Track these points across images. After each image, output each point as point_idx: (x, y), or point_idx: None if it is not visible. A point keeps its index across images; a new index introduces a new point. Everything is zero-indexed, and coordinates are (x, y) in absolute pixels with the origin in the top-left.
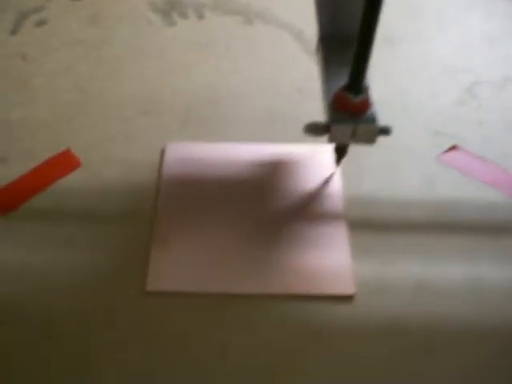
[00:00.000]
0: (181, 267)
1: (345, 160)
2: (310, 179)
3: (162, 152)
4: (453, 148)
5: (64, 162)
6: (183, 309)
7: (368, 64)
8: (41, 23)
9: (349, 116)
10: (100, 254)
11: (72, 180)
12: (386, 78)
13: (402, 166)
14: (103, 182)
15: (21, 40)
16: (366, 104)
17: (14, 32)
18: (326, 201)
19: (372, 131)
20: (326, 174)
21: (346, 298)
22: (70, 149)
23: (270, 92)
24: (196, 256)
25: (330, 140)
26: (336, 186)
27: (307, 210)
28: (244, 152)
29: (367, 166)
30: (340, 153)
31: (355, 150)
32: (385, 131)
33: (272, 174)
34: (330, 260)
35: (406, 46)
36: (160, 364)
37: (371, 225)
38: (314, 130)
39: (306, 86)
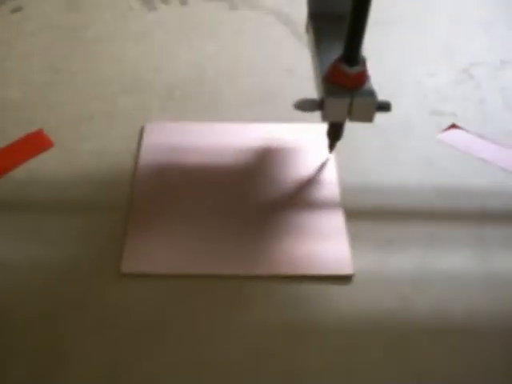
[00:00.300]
0: (158, 249)
1: (338, 142)
2: (301, 162)
3: (142, 131)
4: (452, 126)
5: (35, 142)
6: (161, 292)
7: (365, 31)
8: (16, 10)
9: (345, 90)
10: (72, 238)
11: (43, 160)
12: (379, 58)
13: (399, 146)
14: (77, 163)
15: None
16: (363, 76)
17: None
18: (321, 188)
19: (370, 106)
20: (319, 155)
21: (345, 279)
22: (42, 129)
23: (257, 72)
24: (176, 238)
25: (324, 117)
26: (331, 173)
27: (300, 196)
28: (230, 132)
29: (362, 147)
30: (334, 135)
31: (349, 130)
32: (384, 107)
33: (261, 156)
34: (327, 242)
35: (399, 28)
36: (135, 349)
37: (369, 211)
38: (306, 105)
39: (295, 67)
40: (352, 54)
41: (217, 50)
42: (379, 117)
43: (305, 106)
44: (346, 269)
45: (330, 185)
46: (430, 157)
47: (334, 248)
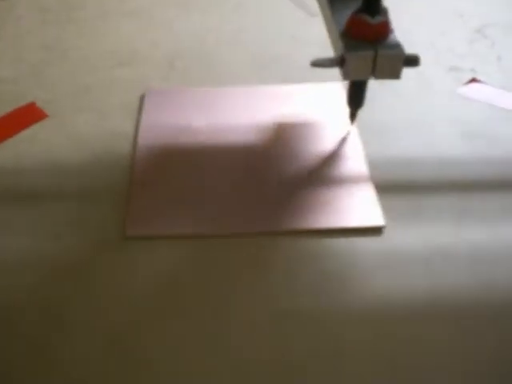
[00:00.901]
0: (163, 211)
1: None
2: (320, 132)
3: (142, 99)
4: (472, 80)
5: (28, 115)
6: (171, 255)
7: None
8: None
9: (367, 43)
10: (73, 207)
11: (37, 131)
12: None
13: (421, 103)
14: (73, 133)
15: None
16: (386, 27)
17: None
18: (347, 163)
19: (397, 60)
20: (338, 122)
21: (376, 231)
22: (35, 102)
23: (261, 40)
24: (182, 195)
25: (346, 75)
26: (355, 146)
27: (322, 172)
28: (238, 95)
29: (382, 108)
30: (355, 101)
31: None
32: (412, 61)
33: (275, 127)
34: (355, 194)
35: None
36: (146, 312)
37: (397, 174)
38: (326, 62)
39: (300, 35)
40: (373, 1)
41: (218, 21)
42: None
43: (324, 62)
44: (377, 220)
45: (355, 156)
46: (454, 111)
47: (362, 200)
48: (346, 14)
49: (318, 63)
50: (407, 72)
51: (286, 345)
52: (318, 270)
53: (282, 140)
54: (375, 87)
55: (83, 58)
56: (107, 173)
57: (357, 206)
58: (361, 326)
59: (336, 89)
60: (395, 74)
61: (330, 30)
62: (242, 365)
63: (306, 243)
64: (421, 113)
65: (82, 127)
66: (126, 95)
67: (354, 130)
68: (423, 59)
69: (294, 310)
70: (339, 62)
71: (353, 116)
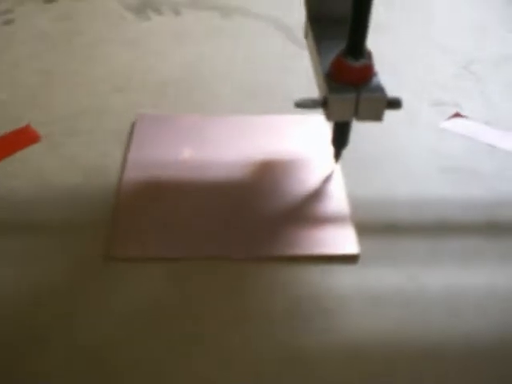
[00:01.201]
0: (147, 233)
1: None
2: (305, 167)
3: (133, 124)
4: (456, 115)
5: (22, 137)
6: (153, 276)
7: (370, 18)
8: (8, 22)
9: (350, 86)
10: (60, 227)
11: (30, 153)
12: (376, 57)
13: (404, 136)
14: (65, 155)
15: None
16: (369, 70)
17: None
18: (328, 199)
19: (379, 103)
20: (324, 158)
21: (350, 259)
22: (30, 124)
23: (252, 71)
24: (167, 219)
25: (328, 117)
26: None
27: (304, 206)
28: (227, 124)
29: (365, 138)
30: (339, 141)
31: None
32: (394, 104)
33: (261, 162)
34: (331, 224)
35: (395, 32)
36: (128, 333)
37: (374, 199)
38: (308, 103)
39: (290, 66)
40: (357, 44)
41: (211, 52)
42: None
43: (307, 103)
44: (351, 248)
45: (336, 192)
46: (437, 143)
47: (337, 229)
48: (332, 55)
49: (301, 104)
50: None
51: (258, 370)
52: (293, 295)
53: (266, 174)
54: None
55: (79, 82)
56: (95, 195)
57: (333, 235)
58: (333, 353)
59: (322, 121)
60: (377, 117)
61: (315, 71)
62: None
63: (282, 270)
64: (403, 146)
65: (74, 150)
66: (118, 120)
67: (337, 169)
68: (408, 92)
69: (268, 334)
70: (322, 103)
71: (337, 155)
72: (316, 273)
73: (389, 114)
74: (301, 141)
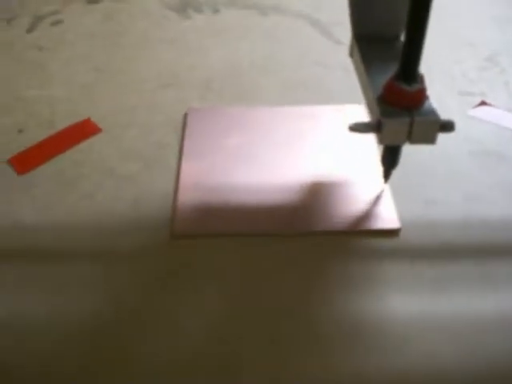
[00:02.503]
0: (209, 210)
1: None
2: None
3: (185, 116)
4: (482, 103)
5: (84, 129)
6: (217, 251)
7: (423, 44)
8: (56, 23)
9: (403, 110)
10: (122, 205)
11: (93, 143)
12: None
13: None
14: (124, 145)
15: (37, 36)
16: (422, 94)
17: (29, 30)
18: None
19: (433, 126)
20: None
21: (393, 233)
22: (90, 118)
23: (291, 66)
24: (226, 199)
25: (381, 140)
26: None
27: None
28: (270, 114)
29: None
30: (390, 162)
31: None
32: (447, 127)
33: (302, 140)
34: (374, 199)
35: None
36: (192, 306)
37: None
38: (361, 128)
39: (327, 61)
40: (410, 69)
41: (250, 48)
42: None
43: (360, 128)
44: (393, 223)
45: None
46: (465, 131)
47: (380, 206)
48: (382, 78)
49: (355, 128)
50: None
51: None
52: (343, 266)
53: (309, 157)
54: None
55: (128, 80)
56: (156, 180)
57: (376, 211)
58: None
59: (358, 109)
60: (430, 140)
61: (365, 93)
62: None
63: (332, 244)
64: None
65: (132, 141)
66: (169, 113)
67: (373, 148)
68: (438, 84)
69: (329, 301)
70: (375, 127)
71: (387, 175)
72: (363, 246)
73: None
74: (340, 127)
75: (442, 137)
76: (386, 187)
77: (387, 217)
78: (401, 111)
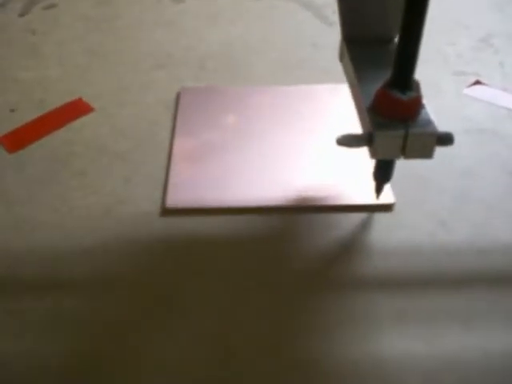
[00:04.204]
0: (203, 183)
1: None
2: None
3: (178, 95)
4: (476, 82)
5: (76, 108)
6: (208, 225)
7: (419, 47)
8: (50, 6)
9: (396, 121)
10: (113, 182)
11: (85, 122)
12: None
13: (428, 100)
14: (117, 124)
15: (30, 19)
16: (418, 103)
17: (22, 14)
18: None
19: (429, 139)
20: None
21: (386, 208)
22: (82, 97)
23: (284, 47)
24: (218, 175)
25: (374, 154)
26: None
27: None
28: (264, 93)
29: None
30: (383, 176)
31: None
32: (445, 140)
33: (296, 120)
34: (368, 175)
35: None
36: (187, 276)
37: None
38: (352, 141)
39: (321, 42)
40: (404, 76)
41: (244, 30)
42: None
43: (350, 141)
44: (387, 198)
45: None
46: (460, 110)
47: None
48: (374, 86)
49: (343, 142)
50: (418, 75)
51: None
52: (338, 239)
53: (304, 135)
54: None
55: (123, 60)
56: (148, 157)
57: (370, 186)
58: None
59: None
60: (427, 154)
61: (355, 101)
62: None
63: (325, 218)
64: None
65: (125, 120)
66: (163, 93)
67: None
68: (432, 64)
69: (320, 272)
70: (366, 140)
71: (379, 190)
72: (357, 220)
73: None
74: (335, 107)
75: (436, 115)
76: None
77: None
78: (394, 123)
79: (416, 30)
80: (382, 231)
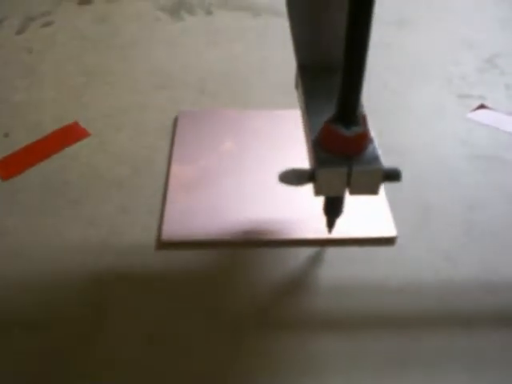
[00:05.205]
0: (197, 217)
1: (373, 117)
2: None
3: (176, 120)
4: (481, 106)
5: (72, 133)
6: (205, 259)
7: (363, 80)
8: (47, 24)
9: (341, 157)
10: (109, 210)
11: (80, 148)
12: (401, 51)
13: (432, 124)
14: (112, 150)
15: (26, 37)
16: (363, 139)
17: (19, 32)
18: None
19: (375, 176)
20: None
21: (389, 241)
22: (78, 121)
23: (283, 66)
24: (215, 205)
25: (317, 191)
26: None
27: None
28: (262, 117)
29: (396, 128)
30: (333, 211)
31: (382, 107)
32: (392, 176)
33: (293, 145)
34: (367, 205)
35: (418, 26)
36: (179, 313)
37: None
38: (293, 178)
39: None
40: (347, 110)
41: (244, 50)
42: (411, 99)
43: (291, 178)
44: (389, 231)
45: None
46: (463, 135)
47: (376, 213)
48: (323, 116)
49: (284, 179)
50: (422, 97)
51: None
52: (337, 273)
53: (300, 161)
54: (390, 108)
55: (120, 81)
56: (145, 184)
57: (372, 219)
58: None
59: None
60: (373, 191)
61: (304, 134)
62: None
63: (325, 251)
64: (432, 135)
65: (121, 145)
66: (161, 116)
67: None
68: (435, 85)
69: (314, 307)
70: (308, 177)
71: (330, 224)
72: (359, 253)
73: (418, 106)
74: None
75: (439, 140)
76: (382, 193)
77: (383, 224)
78: (338, 159)
79: (358, 62)
80: (383, 266)
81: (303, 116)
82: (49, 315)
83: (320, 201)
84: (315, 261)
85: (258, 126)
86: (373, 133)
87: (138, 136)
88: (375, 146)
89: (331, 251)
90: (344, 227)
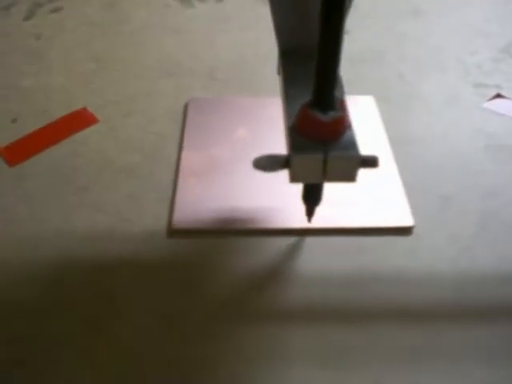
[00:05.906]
0: (208, 206)
1: (389, 107)
2: None
3: (186, 106)
4: (497, 96)
5: (80, 119)
6: (215, 247)
7: (339, 62)
8: (55, 10)
9: (317, 143)
10: (118, 197)
11: (89, 134)
12: (418, 41)
13: (447, 113)
14: (122, 136)
15: (34, 23)
16: (340, 124)
17: (27, 18)
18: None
19: (351, 163)
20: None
21: (406, 231)
22: (86, 107)
23: None
24: (227, 194)
25: (292, 178)
26: (379, 132)
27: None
28: (274, 105)
29: (412, 118)
30: (311, 199)
31: (397, 96)
32: (369, 162)
33: None
34: (384, 194)
35: (432, 16)
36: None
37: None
38: (269, 164)
39: None
40: (323, 94)
41: (254, 38)
42: (426, 89)
43: (265, 164)
44: (406, 220)
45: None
46: (479, 124)
47: (393, 203)
48: (301, 101)
49: (258, 165)
50: (437, 86)
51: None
52: (352, 264)
53: None
54: (405, 98)
55: (129, 68)
56: (155, 171)
57: (389, 208)
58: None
59: (368, 101)
60: (350, 178)
61: (283, 120)
62: None
63: (341, 241)
64: (448, 124)
65: (130, 131)
66: (170, 103)
67: (385, 141)
68: (451, 75)
69: (329, 297)
70: (283, 163)
71: (310, 213)
72: (375, 243)
73: (433, 95)
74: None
75: (455, 130)
76: (399, 182)
77: (400, 214)
78: (314, 145)
79: (333, 44)
80: (400, 256)
81: (282, 102)
82: (56, 303)
83: (336, 190)
84: (329, 251)
85: (271, 114)
86: (351, 118)
87: (147, 123)
88: (353, 131)
89: (347, 240)
90: (360, 216)
